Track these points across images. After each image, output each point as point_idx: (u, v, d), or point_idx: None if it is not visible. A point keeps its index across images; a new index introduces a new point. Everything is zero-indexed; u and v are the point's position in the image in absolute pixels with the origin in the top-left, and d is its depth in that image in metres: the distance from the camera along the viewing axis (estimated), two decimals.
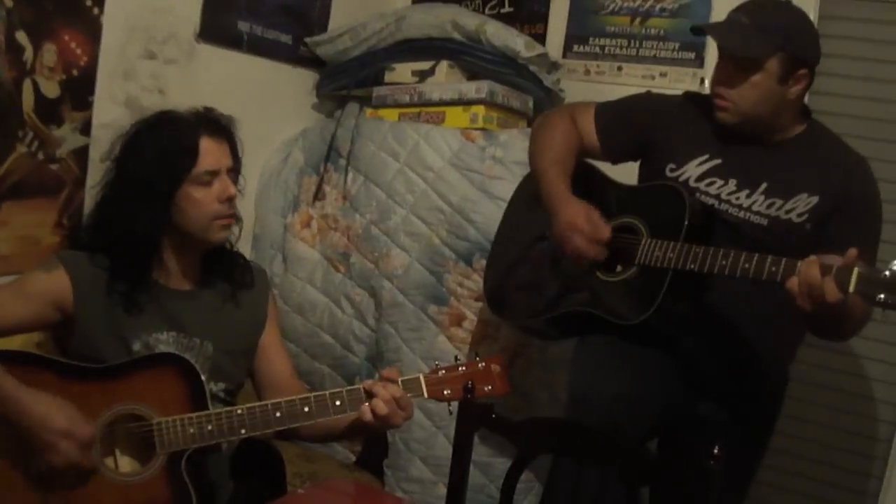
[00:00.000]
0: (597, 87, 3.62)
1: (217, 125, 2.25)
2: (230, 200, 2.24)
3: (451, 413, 2.14)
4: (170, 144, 2.18)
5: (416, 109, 3.56)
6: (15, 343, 2.20)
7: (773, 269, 2.09)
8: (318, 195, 3.62)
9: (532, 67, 3.48)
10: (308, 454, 3.22)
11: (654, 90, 2.79)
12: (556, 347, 3.15)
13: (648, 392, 2.44)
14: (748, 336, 2.46)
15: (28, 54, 2.73)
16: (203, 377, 2.09)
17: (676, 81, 3.49)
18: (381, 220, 3.42)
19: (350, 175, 3.54)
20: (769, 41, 2.30)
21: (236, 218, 2.32)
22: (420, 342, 3.28)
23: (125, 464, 2.06)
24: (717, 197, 2.45)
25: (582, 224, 2.43)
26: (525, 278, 2.76)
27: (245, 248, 3.49)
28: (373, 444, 3.39)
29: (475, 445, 2.22)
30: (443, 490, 2.57)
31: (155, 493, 2.01)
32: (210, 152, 2.20)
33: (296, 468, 2.98)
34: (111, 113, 2.98)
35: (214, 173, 2.20)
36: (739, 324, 2.45)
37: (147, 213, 2.16)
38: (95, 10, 2.91)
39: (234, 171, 2.29)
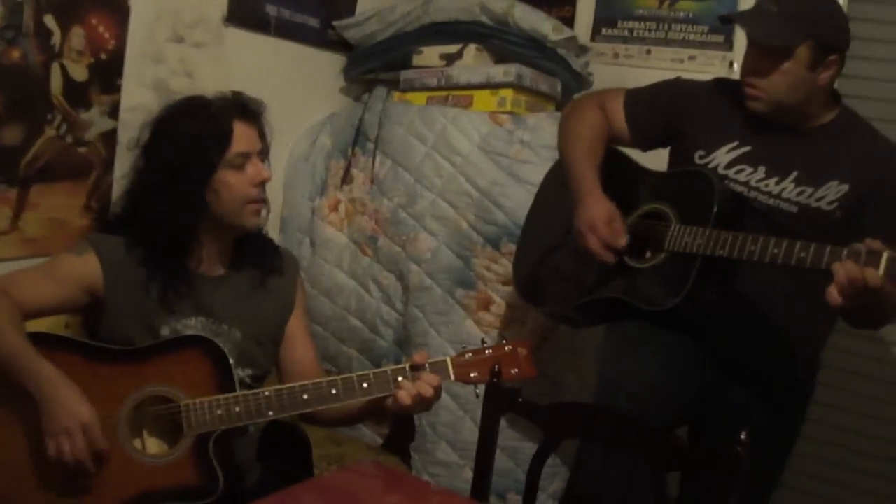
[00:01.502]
0: (625, 71, 3.60)
1: (248, 109, 2.25)
2: (263, 184, 2.24)
3: (477, 396, 2.15)
4: (203, 129, 2.17)
5: (444, 93, 3.54)
6: (43, 325, 2.21)
7: (802, 254, 2.08)
8: (346, 179, 3.62)
9: (560, 51, 3.45)
10: (335, 437, 3.23)
11: (684, 74, 2.78)
12: (585, 332, 3.15)
13: (678, 378, 2.43)
14: (778, 323, 2.44)
15: (56, 38, 2.74)
16: (231, 362, 2.10)
17: (705, 65, 3.46)
18: (409, 203, 3.41)
19: (378, 159, 3.54)
20: (798, 28, 2.29)
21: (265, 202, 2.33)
22: (447, 326, 3.28)
23: (153, 445, 2.08)
24: (747, 184, 2.43)
25: (601, 228, 2.42)
26: (555, 266, 2.75)
27: (273, 232, 3.50)
28: (400, 427, 3.39)
29: (502, 430, 2.22)
30: (469, 474, 2.57)
31: (182, 474, 2.02)
32: (243, 135, 2.20)
33: (323, 450, 2.99)
34: (139, 96, 2.99)
35: (247, 156, 2.20)
36: (769, 310, 2.43)
37: (184, 200, 2.16)
38: None
39: (263, 153, 2.28)
